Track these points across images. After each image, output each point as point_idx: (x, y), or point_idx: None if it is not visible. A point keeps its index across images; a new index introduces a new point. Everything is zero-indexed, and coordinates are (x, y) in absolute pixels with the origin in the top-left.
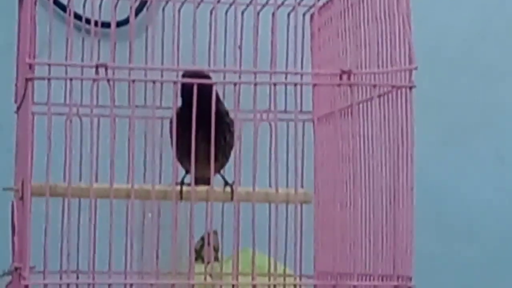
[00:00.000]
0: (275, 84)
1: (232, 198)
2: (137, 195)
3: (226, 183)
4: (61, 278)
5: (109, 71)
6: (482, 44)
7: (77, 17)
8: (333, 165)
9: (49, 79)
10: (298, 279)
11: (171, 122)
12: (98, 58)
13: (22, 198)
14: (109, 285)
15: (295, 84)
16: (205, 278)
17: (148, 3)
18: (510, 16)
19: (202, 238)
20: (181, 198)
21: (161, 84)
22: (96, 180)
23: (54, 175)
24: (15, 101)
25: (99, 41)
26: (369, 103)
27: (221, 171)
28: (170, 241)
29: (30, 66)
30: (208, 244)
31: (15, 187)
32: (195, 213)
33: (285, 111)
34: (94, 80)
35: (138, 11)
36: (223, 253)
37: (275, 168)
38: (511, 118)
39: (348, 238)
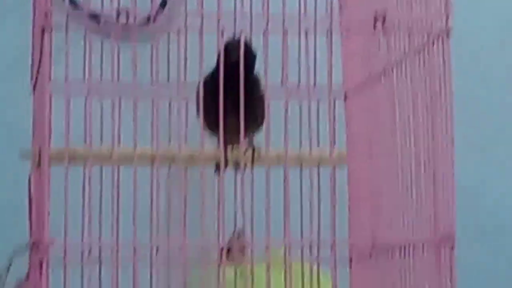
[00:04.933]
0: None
1: (252, 162)
2: (163, 160)
3: (250, 145)
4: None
5: None
6: None
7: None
8: (368, 132)
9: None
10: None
11: (197, 91)
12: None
13: (39, 165)
14: (134, 249)
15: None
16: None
17: None
18: None
19: (231, 239)
20: (226, 164)
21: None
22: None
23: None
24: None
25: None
26: (403, 61)
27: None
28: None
29: (46, 14)
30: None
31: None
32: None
33: (315, 85)
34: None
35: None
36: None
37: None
38: None
39: (386, 200)
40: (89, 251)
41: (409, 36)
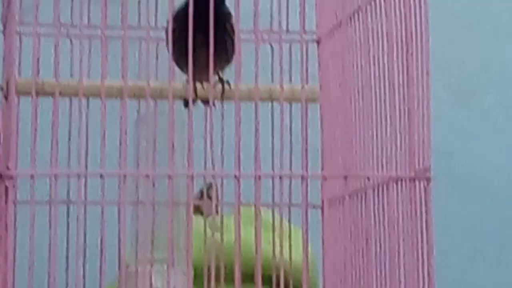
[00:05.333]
0: None
1: (222, 96)
2: (131, 93)
3: (220, 80)
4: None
5: None
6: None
7: None
8: (341, 73)
9: None
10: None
11: (167, 26)
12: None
13: (7, 97)
14: (101, 176)
15: None
16: (205, 232)
17: None
18: None
19: (201, 191)
20: (196, 96)
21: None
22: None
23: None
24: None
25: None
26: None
27: (220, 74)
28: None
29: None
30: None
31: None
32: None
33: (287, 31)
34: None
35: None
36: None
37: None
38: None
39: (359, 135)
40: (56, 180)
41: None
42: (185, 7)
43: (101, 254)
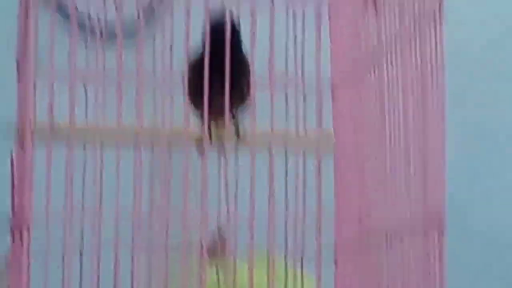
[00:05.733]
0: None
1: (237, 139)
2: (146, 136)
3: (235, 124)
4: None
5: None
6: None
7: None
8: (356, 120)
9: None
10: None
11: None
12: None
13: (22, 140)
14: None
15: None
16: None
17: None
18: None
19: (213, 239)
20: (211, 139)
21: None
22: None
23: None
24: None
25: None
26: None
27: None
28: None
29: None
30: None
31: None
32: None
33: (302, 77)
34: None
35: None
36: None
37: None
38: None
39: (373, 183)
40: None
41: (400, 17)
42: (202, 51)
43: None
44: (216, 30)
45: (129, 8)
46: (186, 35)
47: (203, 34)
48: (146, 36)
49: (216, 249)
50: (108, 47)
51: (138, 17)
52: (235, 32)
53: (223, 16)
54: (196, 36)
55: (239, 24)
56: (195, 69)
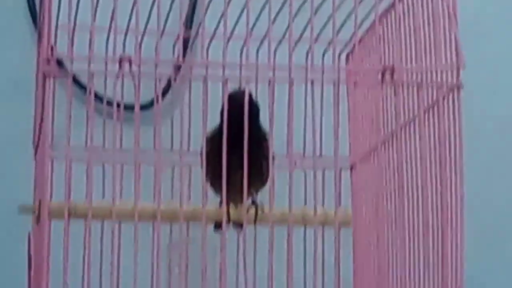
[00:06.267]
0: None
1: (255, 220)
2: (164, 216)
3: (253, 203)
4: None
5: None
6: None
7: (98, 99)
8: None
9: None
10: None
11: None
12: (121, 143)
13: (39, 220)
14: None
15: (333, 84)
16: None
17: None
18: None
19: None
20: (229, 219)
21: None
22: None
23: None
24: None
25: (121, 125)
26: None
27: (255, 196)
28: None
29: (48, 61)
30: None
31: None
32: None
33: (321, 155)
34: None
35: (164, 92)
36: None
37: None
38: None
39: (392, 262)
40: None
41: (418, 90)
42: (219, 129)
43: None
44: (235, 104)
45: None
46: (204, 111)
47: (222, 107)
48: (164, 114)
49: None
50: (126, 125)
51: (156, 95)
52: (253, 107)
53: (242, 92)
54: (214, 115)
55: (255, 100)
56: (213, 144)
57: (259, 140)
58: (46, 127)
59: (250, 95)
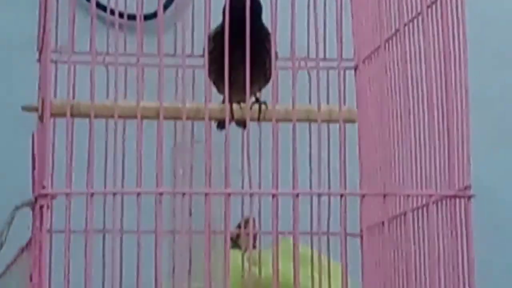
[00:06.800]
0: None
1: (259, 117)
2: (167, 115)
3: (257, 100)
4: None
5: None
6: None
7: (102, 7)
8: (379, 94)
9: None
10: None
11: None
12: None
13: (42, 119)
14: (138, 194)
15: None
16: (242, 266)
17: None
18: None
19: (239, 226)
20: (233, 117)
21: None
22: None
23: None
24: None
25: (124, 34)
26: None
27: (258, 94)
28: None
29: None
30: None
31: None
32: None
33: (325, 59)
34: None
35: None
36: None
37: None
38: None
39: (398, 156)
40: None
41: None
42: (222, 28)
43: (137, 284)
44: (237, 2)
45: None
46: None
47: (224, 8)
48: (168, 22)
49: (241, 238)
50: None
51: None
52: (256, 5)
53: None
54: (217, 19)
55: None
56: (216, 42)
57: (262, 37)
58: (47, 25)
59: None
